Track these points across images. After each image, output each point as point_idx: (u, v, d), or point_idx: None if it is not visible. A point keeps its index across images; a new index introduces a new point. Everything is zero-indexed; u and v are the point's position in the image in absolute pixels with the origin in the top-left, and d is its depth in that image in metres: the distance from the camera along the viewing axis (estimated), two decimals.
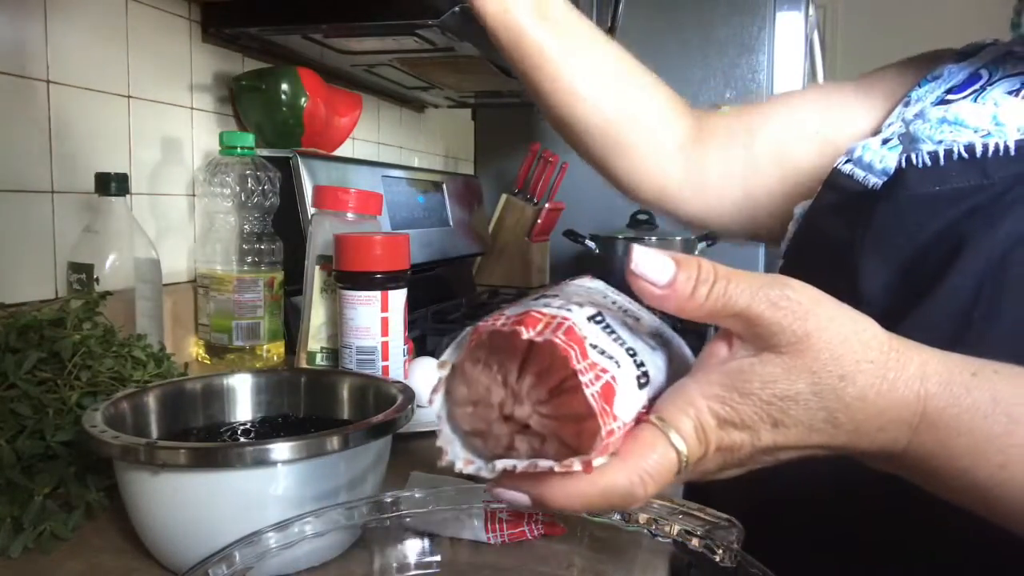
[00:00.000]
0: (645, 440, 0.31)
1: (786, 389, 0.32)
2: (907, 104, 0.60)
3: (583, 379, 0.29)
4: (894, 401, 0.33)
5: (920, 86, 0.60)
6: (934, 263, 0.47)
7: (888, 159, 0.54)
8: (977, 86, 0.56)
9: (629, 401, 0.31)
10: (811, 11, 1.79)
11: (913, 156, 0.51)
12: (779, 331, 0.31)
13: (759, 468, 0.35)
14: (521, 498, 0.32)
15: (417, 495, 0.44)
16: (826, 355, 0.32)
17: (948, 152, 0.50)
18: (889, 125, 0.59)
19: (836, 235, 0.55)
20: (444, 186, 1.46)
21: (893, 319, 0.46)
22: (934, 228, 0.48)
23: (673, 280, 0.31)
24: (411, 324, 0.90)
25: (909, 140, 0.54)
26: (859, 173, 0.56)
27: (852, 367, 0.32)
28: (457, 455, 0.35)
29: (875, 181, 0.54)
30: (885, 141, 0.57)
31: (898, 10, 2.91)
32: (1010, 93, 0.54)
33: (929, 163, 0.50)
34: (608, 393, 0.30)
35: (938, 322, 0.46)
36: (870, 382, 0.32)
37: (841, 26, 2.94)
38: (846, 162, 0.57)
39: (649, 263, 0.31)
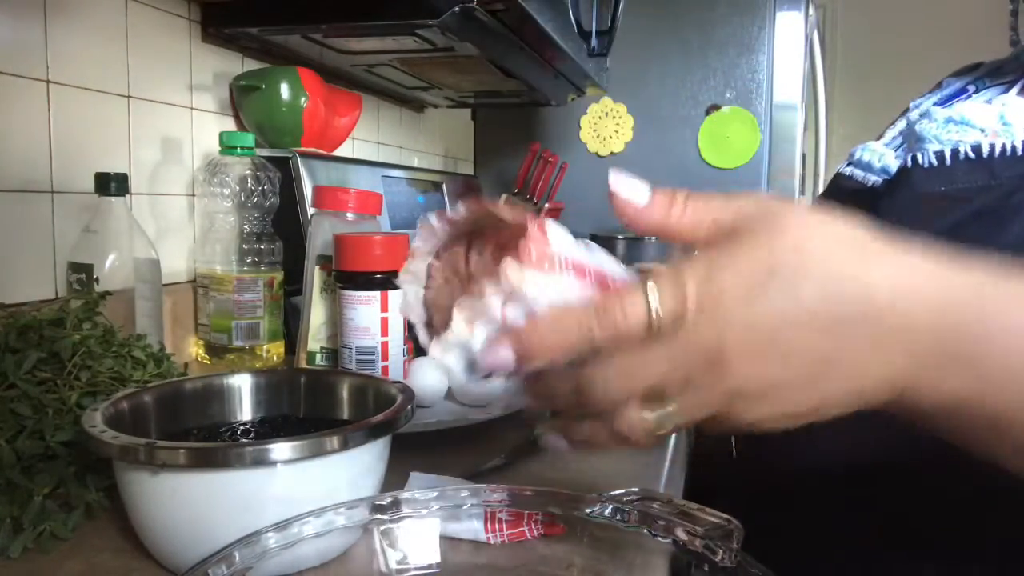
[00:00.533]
0: (622, 287, 0.33)
1: (773, 243, 0.31)
2: (906, 112, 0.61)
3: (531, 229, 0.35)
4: (904, 273, 0.32)
5: (921, 97, 0.61)
6: None
7: (887, 157, 0.54)
8: (960, 99, 0.57)
9: (568, 245, 0.36)
10: (811, 11, 1.79)
11: (919, 155, 0.51)
12: (756, 213, 0.32)
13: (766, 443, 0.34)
14: (505, 356, 0.33)
15: (417, 495, 0.44)
16: (804, 229, 0.31)
17: (955, 152, 0.50)
18: (890, 129, 0.59)
19: None
20: (444, 186, 1.46)
21: None
22: (940, 228, 0.48)
23: (652, 197, 0.34)
24: (411, 324, 0.90)
25: (915, 139, 0.54)
26: (859, 173, 0.56)
27: (845, 232, 0.32)
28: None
29: (875, 179, 0.54)
30: (887, 144, 0.57)
31: (897, 10, 2.91)
32: (988, 102, 0.54)
33: (935, 162, 0.50)
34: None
35: None
36: (886, 259, 0.32)
37: (841, 26, 2.94)
38: (847, 165, 0.58)
39: (628, 184, 0.34)
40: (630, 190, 0.34)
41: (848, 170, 0.57)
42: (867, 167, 0.55)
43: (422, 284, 0.42)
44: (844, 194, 0.57)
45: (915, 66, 2.78)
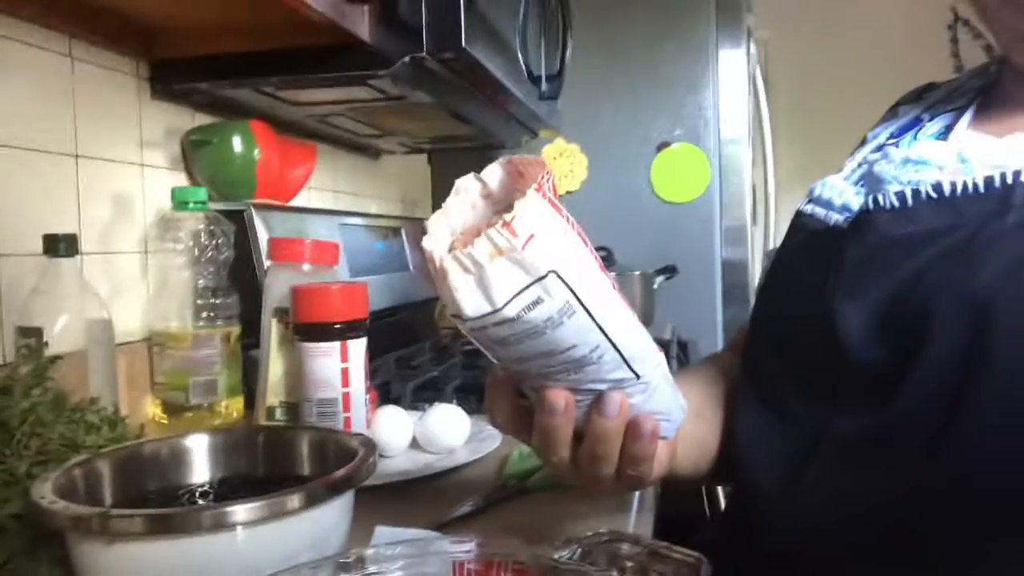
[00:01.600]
0: None
1: None
2: (864, 144, 0.60)
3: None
4: None
5: (878, 126, 0.61)
6: (911, 312, 0.46)
7: (847, 194, 0.54)
8: (914, 131, 0.57)
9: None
10: (751, 48, 1.86)
11: (880, 197, 0.50)
12: None
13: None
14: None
15: (382, 551, 0.43)
16: None
17: (916, 192, 0.49)
18: (849, 162, 0.58)
19: (807, 276, 0.53)
20: (403, 231, 1.46)
21: (885, 386, 0.46)
22: (908, 271, 0.47)
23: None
24: (374, 371, 0.90)
25: (874, 181, 0.53)
26: (820, 212, 0.55)
27: None
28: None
29: (836, 218, 0.53)
30: (846, 178, 0.56)
31: (832, 41, 3.03)
32: (937, 136, 0.55)
33: (897, 204, 0.49)
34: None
35: (929, 392, 0.44)
36: None
37: (782, 60, 3.05)
38: (808, 203, 0.57)
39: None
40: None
41: (809, 208, 0.56)
42: (827, 205, 0.55)
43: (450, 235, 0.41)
44: (807, 235, 0.56)
45: (856, 95, 2.89)
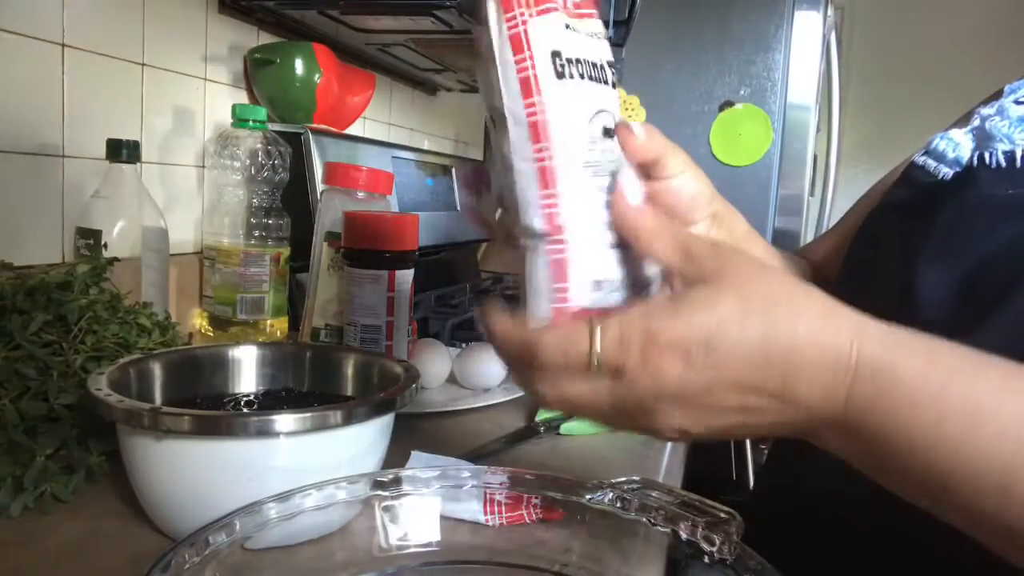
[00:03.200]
0: (576, 324, 0.35)
1: (715, 309, 0.33)
2: (999, 96, 0.55)
3: None
4: (828, 339, 0.33)
5: (1019, 80, 0.56)
6: (997, 280, 0.44)
7: (962, 148, 0.51)
8: None
9: None
10: (830, 11, 1.78)
11: (986, 155, 0.48)
12: (705, 256, 0.35)
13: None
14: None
15: (418, 473, 0.44)
16: (753, 282, 0.34)
17: None
18: (977, 116, 0.54)
19: (902, 230, 0.52)
20: (453, 170, 1.46)
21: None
22: (1002, 237, 0.45)
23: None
24: (415, 307, 0.90)
25: (984, 136, 0.50)
26: (931, 164, 0.52)
27: (775, 298, 0.34)
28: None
29: (946, 171, 0.51)
30: (968, 131, 0.53)
31: (916, 15, 2.89)
32: None
33: (1004, 163, 0.47)
34: None
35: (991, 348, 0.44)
36: (797, 313, 0.34)
37: (859, 28, 2.92)
38: (922, 153, 0.54)
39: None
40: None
41: (922, 159, 0.53)
42: (940, 157, 0.52)
43: None
44: (914, 187, 0.53)
45: (932, 71, 2.77)
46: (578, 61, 0.39)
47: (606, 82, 0.41)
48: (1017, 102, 0.51)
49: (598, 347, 0.34)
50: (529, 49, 0.37)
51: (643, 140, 0.41)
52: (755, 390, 0.34)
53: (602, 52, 0.41)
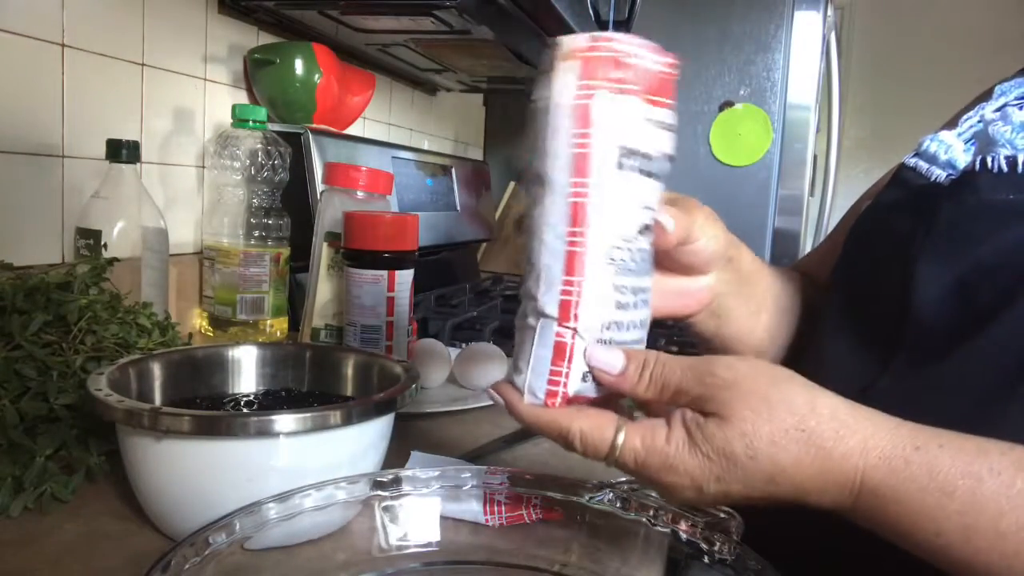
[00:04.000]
0: (606, 416, 0.39)
1: (724, 448, 0.36)
2: (988, 98, 0.56)
3: None
4: (831, 469, 0.36)
5: (1008, 80, 0.56)
6: (998, 285, 0.44)
7: (955, 150, 0.51)
8: None
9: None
10: (829, 11, 1.78)
11: (989, 159, 0.48)
12: (709, 399, 0.37)
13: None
14: (496, 398, 0.41)
15: (418, 474, 0.44)
16: (750, 424, 0.36)
17: None
18: (967, 119, 0.55)
19: (897, 231, 0.51)
20: (453, 170, 1.46)
21: (944, 348, 0.45)
22: (1003, 242, 0.45)
23: (624, 369, 0.39)
24: (415, 307, 0.90)
25: (986, 141, 0.50)
26: (923, 166, 0.52)
27: (781, 435, 0.36)
28: None
29: (938, 173, 0.51)
30: (959, 134, 0.53)
31: (915, 15, 2.89)
32: None
33: (1006, 168, 0.47)
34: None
35: (989, 365, 0.43)
36: (804, 449, 0.36)
37: (858, 28, 2.92)
38: (913, 156, 0.54)
39: (602, 357, 0.39)
40: (606, 362, 0.39)
41: (913, 161, 0.53)
42: (932, 159, 0.52)
43: None
44: (906, 190, 0.53)
45: (932, 71, 2.77)
46: (641, 154, 0.36)
47: (658, 177, 0.38)
48: (1021, 107, 0.51)
49: (616, 453, 0.38)
50: (594, 126, 0.35)
51: (674, 231, 0.43)
52: (765, 499, 0.38)
53: (665, 145, 0.38)
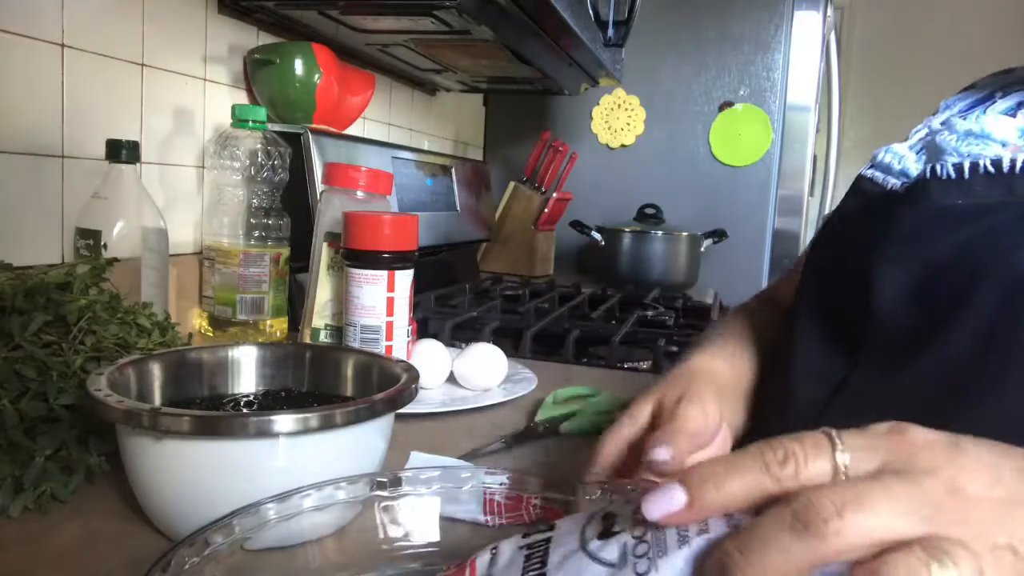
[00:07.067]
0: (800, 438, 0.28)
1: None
2: (936, 112, 0.59)
3: None
4: None
5: (954, 96, 0.60)
6: (951, 284, 0.46)
7: (907, 160, 0.54)
8: (985, 106, 0.56)
9: None
10: (829, 12, 1.78)
11: (938, 167, 0.50)
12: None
13: None
14: (677, 500, 0.29)
15: (418, 474, 0.44)
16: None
17: (974, 165, 0.49)
18: (917, 131, 0.58)
19: (857, 237, 0.54)
20: (452, 170, 1.46)
21: (906, 345, 0.46)
22: (951, 245, 0.47)
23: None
24: (415, 307, 0.90)
25: (934, 150, 0.53)
26: (879, 176, 0.55)
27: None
28: None
29: (893, 182, 0.53)
30: (911, 146, 0.56)
31: (915, 16, 2.89)
32: (1007, 113, 0.54)
33: (953, 175, 0.49)
34: None
35: (951, 359, 0.44)
36: None
37: (858, 28, 2.92)
38: (869, 167, 0.57)
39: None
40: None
41: (869, 172, 0.56)
42: (887, 169, 0.54)
43: None
44: (864, 199, 0.56)
45: (932, 71, 2.77)
46: None
47: None
48: (962, 118, 0.54)
49: (842, 459, 0.28)
50: None
51: None
52: None
53: None
